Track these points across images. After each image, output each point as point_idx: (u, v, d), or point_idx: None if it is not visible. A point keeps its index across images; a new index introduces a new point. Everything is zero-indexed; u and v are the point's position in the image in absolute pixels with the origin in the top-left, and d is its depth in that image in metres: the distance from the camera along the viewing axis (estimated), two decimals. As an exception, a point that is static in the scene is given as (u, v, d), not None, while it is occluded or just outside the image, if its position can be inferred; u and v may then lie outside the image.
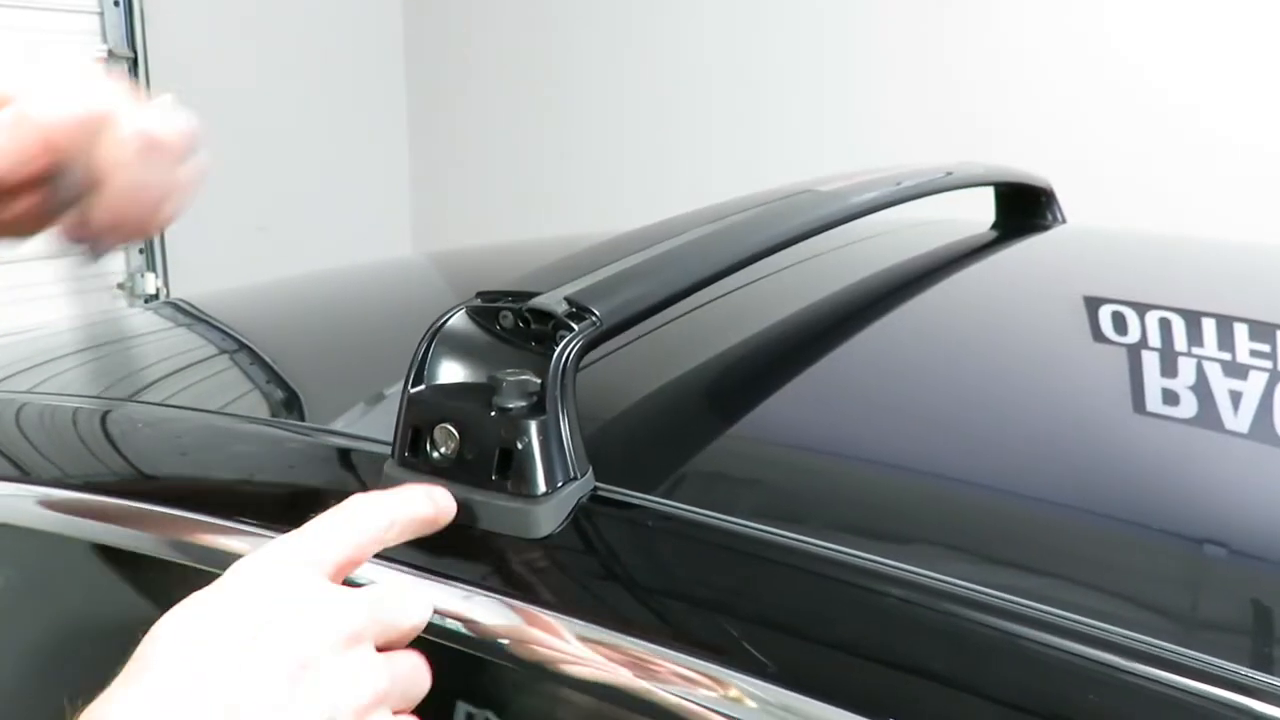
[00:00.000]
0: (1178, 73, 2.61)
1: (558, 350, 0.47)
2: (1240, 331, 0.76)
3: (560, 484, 0.46)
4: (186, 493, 0.60)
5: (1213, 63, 2.57)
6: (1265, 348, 0.74)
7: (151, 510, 0.59)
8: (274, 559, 0.39)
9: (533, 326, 0.50)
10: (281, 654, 0.36)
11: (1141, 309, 0.80)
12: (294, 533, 0.40)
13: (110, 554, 0.60)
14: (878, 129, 3.00)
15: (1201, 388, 0.64)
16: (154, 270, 3.28)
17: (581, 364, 0.49)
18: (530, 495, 0.45)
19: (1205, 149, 2.58)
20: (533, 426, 0.45)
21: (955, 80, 2.90)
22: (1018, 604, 0.40)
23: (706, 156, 3.33)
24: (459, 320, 0.52)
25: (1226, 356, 0.70)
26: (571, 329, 0.48)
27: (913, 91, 2.97)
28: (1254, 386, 0.64)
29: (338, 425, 0.62)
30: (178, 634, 0.36)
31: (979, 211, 1.24)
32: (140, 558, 0.58)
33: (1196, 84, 2.59)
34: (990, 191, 1.23)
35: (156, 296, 3.21)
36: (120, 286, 3.25)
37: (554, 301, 0.49)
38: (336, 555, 0.40)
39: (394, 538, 0.43)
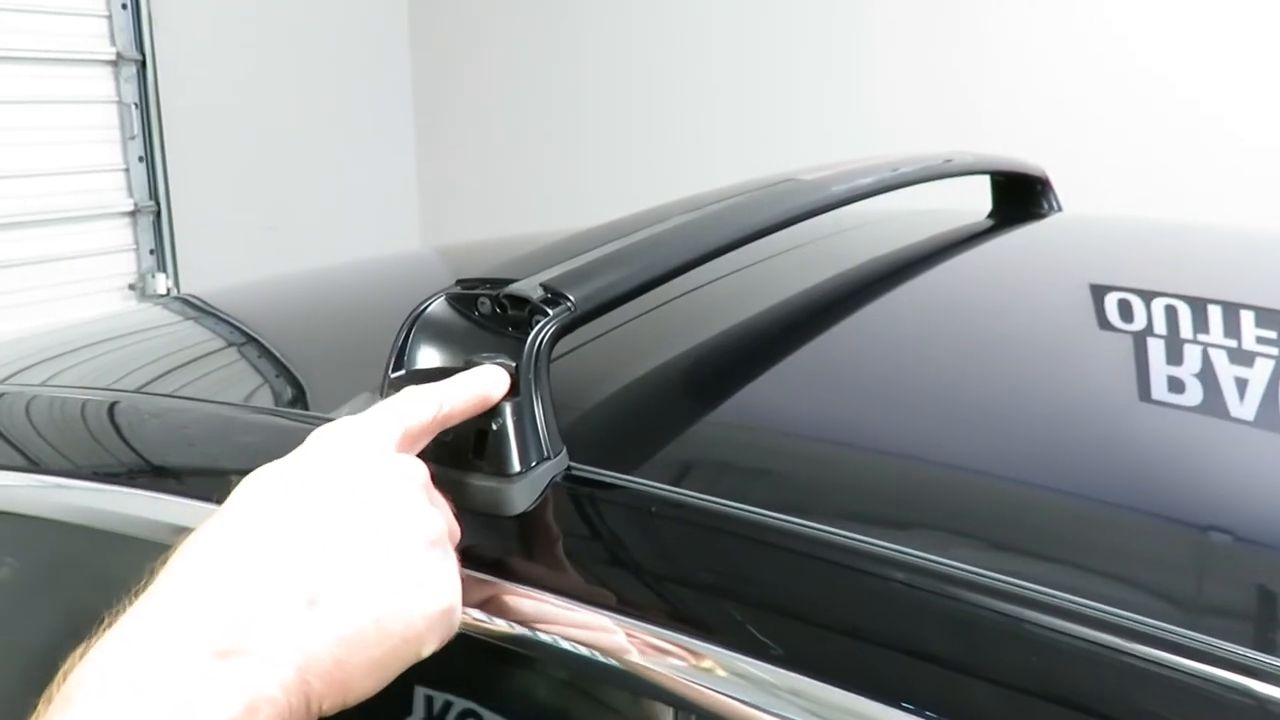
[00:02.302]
0: (1175, 61, 2.60)
1: (532, 334, 0.48)
2: (1236, 317, 0.76)
3: (534, 463, 0.47)
4: (195, 481, 0.62)
5: (1210, 50, 2.55)
6: (1263, 333, 0.73)
7: (160, 499, 0.60)
8: (346, 433, 0.44)
9: (509, 312, 0.51)
10: (360, 498, 0.41)
11: (1137, 295, 0.80)
12: (360, 414, 0.45)
13: (121, 542, 0.62)
14: (879, 120, 3.00)
15: (1199, 373, 0.63)
16: (164, 271, 3.31)
17: (559, 351, 0.51)
18: (505, 474, 0.47)
19: (1202, 137, 2.57)
20: (507, 408, 0.47)
21: (955, 70, 2.90)
22: (1015, 585, 0.41)
23: (712, 149, 3.34)
24: (438, 307, 0.53)
25: (1223, 342, 0.70)
26: (546, 314, 0.50)
27: (914, 81, 2.97)
28: (1251, 372, 0.64)
29: (341, 412, 0.63)
30: (262, 485, 0.42)
31: (976, 200, 1.25)
32: (150, 545, 0.60)
33: (1193, 72, 2.58)
34: (987, 180, 1.24)
35: (167, 296, 3.24)
36: (131, 287, 3.29)
37: (529, 288, 0.51)
38: (398, 432, 0.44)
39: (444, 419, 0.46)
